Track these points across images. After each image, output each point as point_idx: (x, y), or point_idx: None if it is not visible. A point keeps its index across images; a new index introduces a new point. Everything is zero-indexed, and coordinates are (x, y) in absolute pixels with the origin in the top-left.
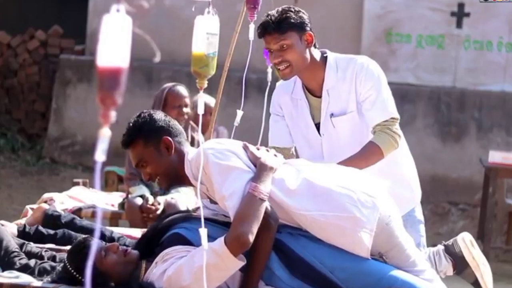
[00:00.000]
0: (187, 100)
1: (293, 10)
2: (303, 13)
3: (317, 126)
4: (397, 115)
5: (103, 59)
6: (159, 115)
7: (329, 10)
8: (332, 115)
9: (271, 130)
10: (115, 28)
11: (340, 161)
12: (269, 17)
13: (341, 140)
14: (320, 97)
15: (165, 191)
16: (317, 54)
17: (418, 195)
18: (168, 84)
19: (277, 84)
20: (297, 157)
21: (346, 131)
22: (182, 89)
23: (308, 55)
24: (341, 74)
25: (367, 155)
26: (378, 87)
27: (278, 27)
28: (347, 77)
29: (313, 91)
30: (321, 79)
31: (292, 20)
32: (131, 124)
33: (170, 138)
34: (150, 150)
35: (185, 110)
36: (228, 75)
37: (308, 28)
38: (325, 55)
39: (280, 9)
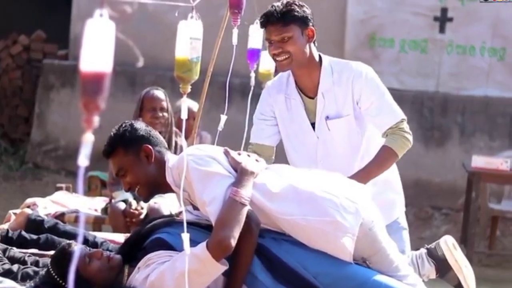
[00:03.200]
0: (164, 104)
1: (297, 4)
2: (306, 8)
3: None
4: (404, 116)
5: (86, 64)
6: (140, 124)
7: (313, 14)
8: (327, 117)
9: (256, 126)
10: (98, 33)
11: (356, 172)
12: (273, 8)
13: (335, 142)
14: (312, 98)
15: (144, 201)
16: (315, 53)
17: (403, 199)
18: (147, 88)
19: (268, 84)
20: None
21: (341, 134)
22: (158, 93)
23: (308, 50)
24: (337, 77)
25: (382, 161)
26: (380, 92)
27: (281, 19)
28: (343, 81)
29: (306, 92)
30: (316, 79)
31: (296, 13)
32: (112, 134)
33: (150, 146)
34: (130, 158)
35: (160, 114)
36: (212, 80)
37: (310, 24)
38: (320, 56)
39: (284, 1)
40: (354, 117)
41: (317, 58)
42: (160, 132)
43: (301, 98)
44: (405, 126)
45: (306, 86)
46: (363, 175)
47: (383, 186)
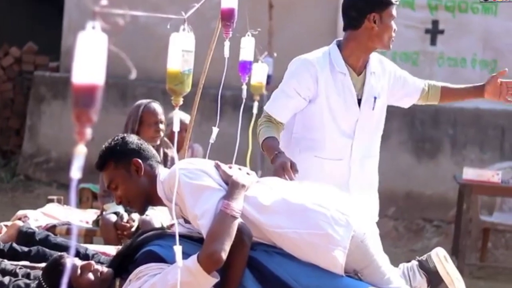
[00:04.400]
0: (163, 117)
1: None
2: None
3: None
4: None
5: (78, 76)
6: (132, 138)
7: (304, 26)
8: (375, 97)
9: (278, 98)
10: (90, 45)
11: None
12: None
13: (371, 123)
14: (358, 75)
15: (140, 214)
16: None
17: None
18: (142, 101)
19: (306, 58)
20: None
21: (378, 114)
22: (157, 106)
23: None
24: (381, 62)
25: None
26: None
27: None
28: (386, 68)
29: (354, 68)
30: (365, 59)
31: None
32: (104, 147)
33: (140, 160)
34: (120, 172)
35: (161, 126)
36: (203, 92)
37: None
38: None
39: None
40: (385, 103)
41: None
42: (155, 145)
43: (350, 73)
44: None
45: (355, 64)
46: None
47: (375, 190)
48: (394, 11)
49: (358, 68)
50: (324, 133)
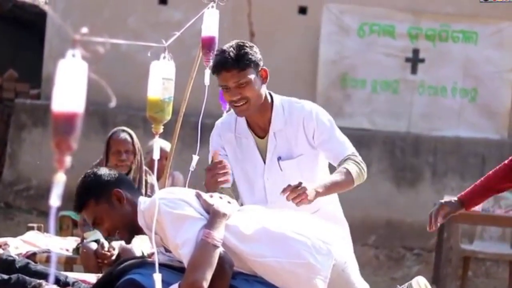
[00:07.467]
0: (129, 146)
1: (248, 45)
2: (256, 48)
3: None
4: (355, 151)
5: (58, 104)
6: (103, 170)
7: (285, 55)
8: (279, 158)
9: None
10: (71, 74)
11: (317, 184)
12: (226, 53)
13: (286, 183)
14: (262, 138)
15: (127, 243)
16: (267, 92)
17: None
18: (115, 129)
19: (217, 122)
20: (237, 198)
21: (294, 174)
22: (123, 135)
23: (263, 92)
24: (288, 117)
25: (340, 180)
26: (332, 129)
27: (237, 64)
28: (294, 121)
29: (257, 131)
30: (268, 119)
31: (250, 56)
32: (78, 187)
33: (120, 190)
34: (103, 206)
35: (124, 157)
36: (184, 120)
37: (262, 64)
38: (271, 95)
39: (234, 44)
40: (307, 157)
41: (269, 98)
42: (128, 173)
43: (253, 137)
44: (360, 159)
45: (257, 126)
46: (324, 190)
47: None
48: (220, 80)
49: (260, 131)
50: (241, 199)
